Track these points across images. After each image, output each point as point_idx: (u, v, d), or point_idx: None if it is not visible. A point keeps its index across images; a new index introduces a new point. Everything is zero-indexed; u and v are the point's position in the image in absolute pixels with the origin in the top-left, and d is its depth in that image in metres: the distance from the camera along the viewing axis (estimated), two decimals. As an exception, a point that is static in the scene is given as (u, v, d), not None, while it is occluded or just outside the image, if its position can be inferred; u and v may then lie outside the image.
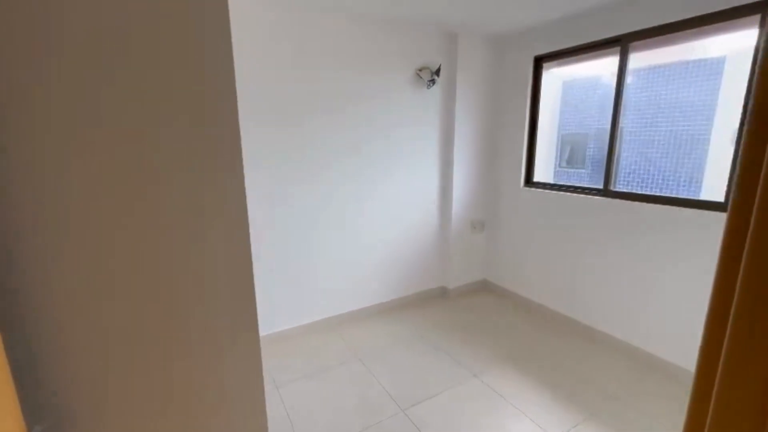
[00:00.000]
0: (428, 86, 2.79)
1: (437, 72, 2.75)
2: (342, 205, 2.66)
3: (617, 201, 2.39)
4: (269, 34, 2.20)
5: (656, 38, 2.19)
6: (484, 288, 3.48)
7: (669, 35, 2.13)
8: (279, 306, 2.56)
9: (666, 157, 2.79)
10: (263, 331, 2.53)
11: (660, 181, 2.74)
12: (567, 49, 2.60)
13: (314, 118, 2.44)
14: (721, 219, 1.91)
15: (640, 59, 2.37)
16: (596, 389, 2.07)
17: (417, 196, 3.00)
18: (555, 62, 2.80)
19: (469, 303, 3.18)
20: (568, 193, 2.68)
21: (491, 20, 2.58)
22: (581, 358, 2.36)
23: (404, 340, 2.59)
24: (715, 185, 2.52)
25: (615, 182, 2.49)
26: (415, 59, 2.74)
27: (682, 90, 2.66)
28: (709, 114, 2.90)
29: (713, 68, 2.68)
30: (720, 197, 2.00)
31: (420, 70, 2.74)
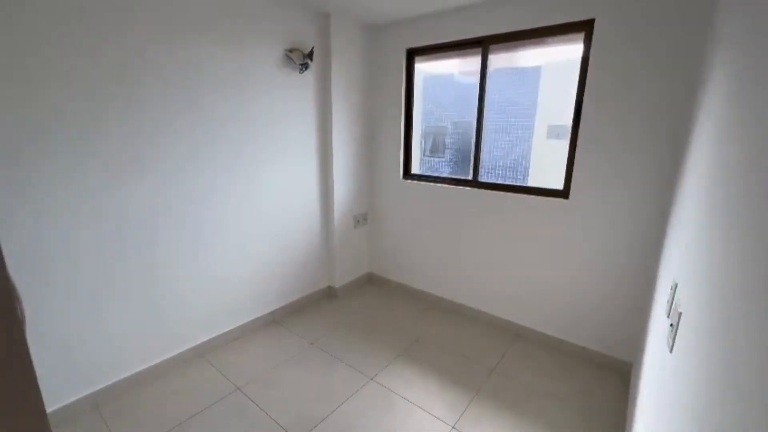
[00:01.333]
0: (300, 71, 2.51)
1: (310, 55, 2.49)
2: (201, 209, 2.19)
3: (483, 191, 2.62)
4: (72, -22, 1.57)
5: (510, 43, 2.42)
6: (369, 281, 3.46)
7: (519, 42, 2.38)
8: (124, 344, 1.97)
9: (509, 149, 3.25)
10: (107, 381, 1.92)
11: (505, 171, 3.18)
12: (437, 44, 2.67)
13: (156, 101, 1.89)
14: (560, 205, 2.27)
15: (498, 60, 2.60)
16: (478, 366, 2.25)
17: (294, 192, 2.72)
18: (425, 57, 2.87)
19: (356, 300, 3.11)
20: (444, 185, 2.83)
21: (363, 4, 2.45)
22: (462, 338, 2.55)
23: (293, 354, 2.34)
24: (538, 174, 3.09)
25: (480, 173, 2.73)
26: (284, 38, 2.41)
27: (517, 90, 3.17)
28: (531, 113, 3.53)
29: (533, 75, 3.25)
30: (542, 184, 2.39)
31: (290, 51, 2.43)
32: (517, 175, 3.21)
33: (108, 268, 1.85)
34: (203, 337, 2.32)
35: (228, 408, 1.89)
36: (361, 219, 3.23)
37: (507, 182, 2.62)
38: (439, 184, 2.86)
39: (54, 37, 1.55)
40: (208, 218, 2.21)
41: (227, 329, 2.45)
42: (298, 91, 2.57)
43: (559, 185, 2.33)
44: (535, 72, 3.45)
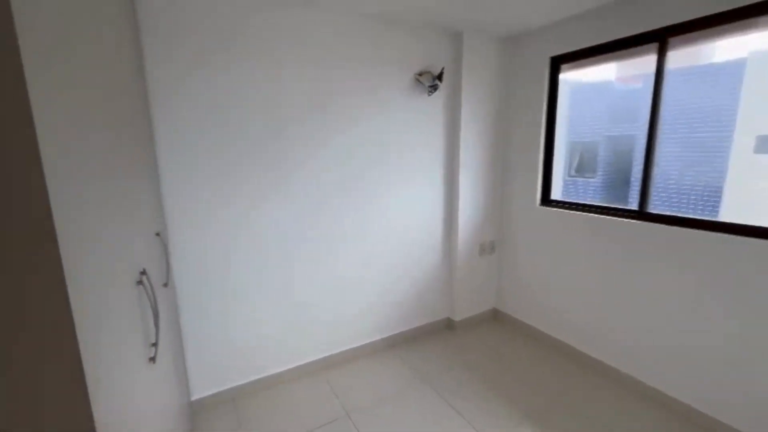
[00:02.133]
0: (429, 93, 2.44)
1: (439, 77, 2.40)
2: (327, 228, 2.30)
3: (654, 225, 2.01)
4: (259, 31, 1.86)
5: (698, 32, 1.83)
6: (494, 318, 3.08)
7: (713, 29, 1.77)
8: (259, 349, 2.18)
9: (691, 170, 2.44)
10: (240, 380, 2.16)
11: (685, 199, 2.38)
12: (591, 47, 2.24)
13: (290, 126, 2.08)
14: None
15: (678, 58, 2.00)
16: (640, 463, 1.67)
17: (418, 216, 2.63)
18: (574, 64, 2.44)
19: (478, 337, 2.78)
20: (594, 215, 2.30)
21: (500, 18, 2.24)
22: (613, 412, 1.96)
23: (403, 388, 2.20)
24: (740, 204, 2.17)
25: (650, 202, 2.11)
26: (414, 62, 2.39)
27: (707, 93, 2.34)
28: (728, 122, 2.57)
29: (732, 72, 2.35)
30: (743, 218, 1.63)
31: (420, 75, 2.39)
32: (703, 205, 2.38)
33: (251, 280, 2.09)
34: (323, 354, 2.41)
35: (335, 434, 1.87)
36: (487, 247, 2.92)
37: (689, 215, 1.95)
38: (587, 214, 2.34)
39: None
40: (335, 239, 2.31)
41: (344, 349, 2.48)
42: (425, 113, 2.50)
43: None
44: (736, 68, 2.56)
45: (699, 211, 2.09)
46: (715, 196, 2.51)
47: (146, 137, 1.49)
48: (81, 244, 0.53)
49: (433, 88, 2.42)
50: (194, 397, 2.04)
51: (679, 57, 2.01)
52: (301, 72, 2.04)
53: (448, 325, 2.93)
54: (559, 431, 1.85)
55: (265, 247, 2.11)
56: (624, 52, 2.16)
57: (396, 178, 2.47)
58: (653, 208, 2.09)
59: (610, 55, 2.24)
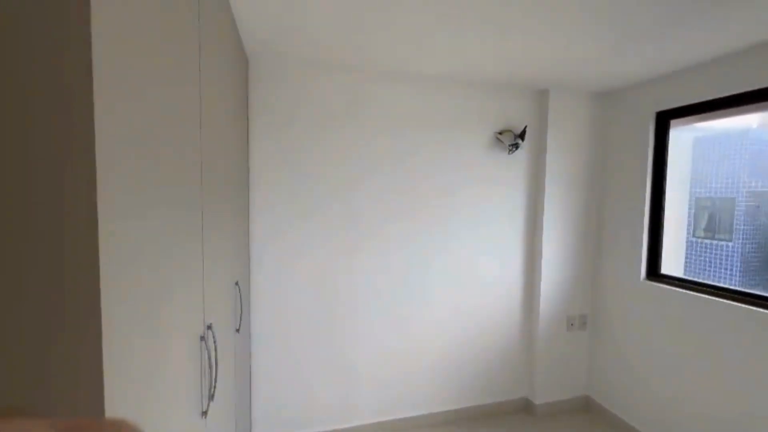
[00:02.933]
0: (510, 151, 2.35)
1: (522, 135, 2.31)
2: (400, 290, 2.26)
3: (817, 323, 1.52)
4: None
5: None
6: (586, 408, 2.59)
7: None
8: (321, 402, 2.17)
9: None
10: (301, 430, 2.15)
11: None
12: (710, 101, 1.94)
13: (373, 187, 2.17)
14: None
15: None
16: None
17: (492, 281, 2.44)
18: (686, 119, 2.13)
19: (563, 428, 2.35)
20: (722, 300, 1.85)
21: (592, 74, 2.10)
22: None
23: (466, 479, 1.93)
24: None
25: (806, 290, 1.62)
26: (495, 120, 2.36)
27: None
28: None
29: None
30: None
31: (500, 134, 2.33)
32: None
33: (321, 335, 2.14)
34: (385, 416, 2.28)
35: None
36: (577, 321, 2.54)
37: None
38: (712, 298, 1.89)
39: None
40: (407, 303, 2.27)
41: (404, 416, 2.32)
42: (505, 173, 2.40)
43: None
44: None
45: None
46: None
47: (244, 191, 1.70)
48: (152, 297, 0.60)
49: (514, 146, 2.33)
50: (255, 440, 2.08)
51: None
52: (386, 136, 2.16)
53: (526, 408, 2.55)
54: None
55: (339, 305, 2.16)
56: (754, 105, 1.82)
57: (469, 240, 2.36)
58: (812, 300, 1.60)
59: (736, 109, 1.90)
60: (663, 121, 2.21)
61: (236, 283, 1.51)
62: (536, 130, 2.43)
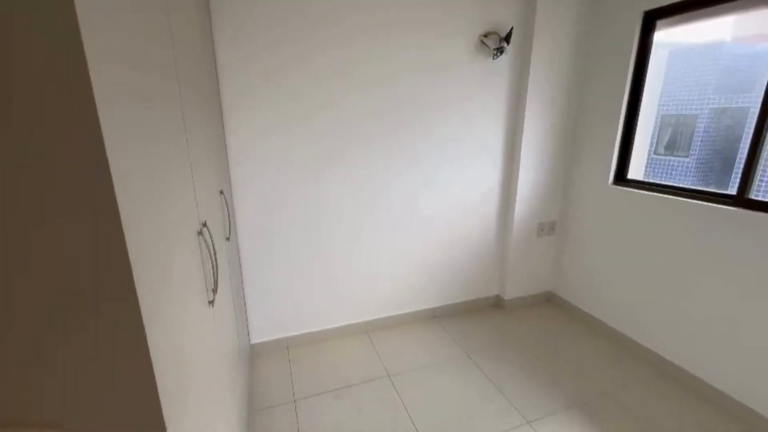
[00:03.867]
0: (494, 56, 2.26)
1: (507, 38, 2.21)
2: (379, 196, 2.31)
3: (757, 215, 1.71)
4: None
5: None
6: (548, 302, 2.93)
7: None
8: (312, 305, 2.34)
9: None
10: (293, 331, 2.34)
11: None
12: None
13: (347, 96, 2.08)
14: None
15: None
16: (700, 471, 1.53)
17: (472, 187, 2.53)
18: (674, 19, 2.07)
19: (528, 319, 2.68)
20: (679, 198, 2.02)
21: (586, -36, 1.95)
22: (672, 413, 1.79)
23: (446, 360, 2.23)
24: None
25: (753, 187, 1.79)
26: (480, 22, 2.22)
27: None
28: None
29: None
30: None
31: (485, 36, 2.21)
32: None
33: (308, 243, 2.21)
34: (369, 317, 2.51)
35: (377, 391, 1.97)
36: (547, 227, 2.74)
37: (811, 204, 1.62)
38: (669, 197, 2.06)
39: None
40: (384, 208, 2.33)
41: (389, 315, 2.56)
42: (488, 78, 2.34)
43: None
44: None
45: None
46: None
47: (214, 95, 1.59)
48: (151, 197, 0.60)
49: (499, 51, 2.23)
50: (254, 341, 2.27)
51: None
52: (367, 39, 2.00)
53: (498, 304, 2.86)
54: (608, 426, 1.75)
55: (325, 214, 2.20)
56: (743, 2, 1.78)
57: (452, 146, 2.38)
58: (758, 195, 1.77)
59: (728, 5, 1.85)
60: (649, 22, 2.14)
61: (221, 192, 1.50)
62: (522, 31, 2.32)
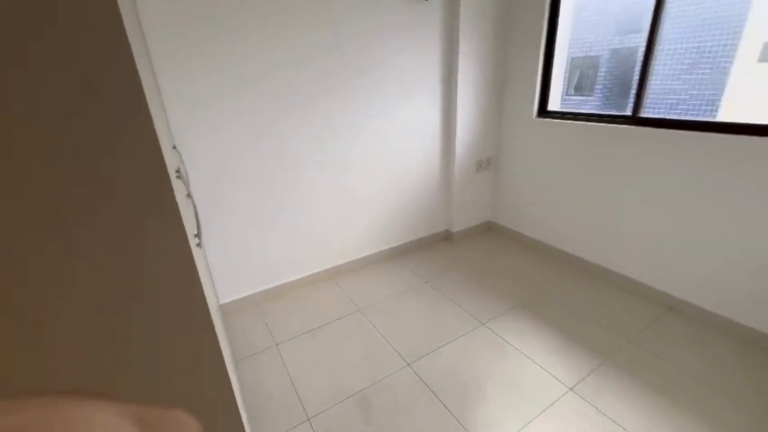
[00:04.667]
0: (427, -3, 2.32)
1: (438, -22, 2.26)
2: (330, 146, 2.36)
3: (647, 129, 2.09)
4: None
5: None
6: (489, 230, 3.30)
7: None
8: (276, 259, 2.39)
9: (692, 77, 2.44)
10: (261, 287, 2.40)
11: (684, 105, 2.43)
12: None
13: (274, 43, 2.03)
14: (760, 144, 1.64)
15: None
16: (614, 333, 1.98)
17: (415, 131, 2.67)
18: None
19: (474, 246, 3.03)
20: (590, 123, 2.36)
21: None
22: (597, 303, 2.25)
23: (407, 289, 2.47)
24: (738, 108, 2.22)
25: (643, 107, 2.16)
26: (411, -38, 2.23)
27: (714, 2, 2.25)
28: (734, 29, 2.51)
29: None
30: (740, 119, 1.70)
31: (417, -23, 2.25)
32: (701, 109, 2.44)
33: (262, 197, 2.21)
34: (334, 263, 2.64)
35: (350, 325, 2.15)
36: (484, 163, 3.02)
37: (688, 118, 2.01)
38: (582, 122, 2.40)
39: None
40: (337, 157, 2.39)
41: (352, 259, 2.71)
42: (422, 20, 2.41)
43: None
44: None
45: (696, 116, 2.15)
46: (712, 103, 2.56)
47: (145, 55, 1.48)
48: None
49: (432, -9, 2.29)
50: (222, 301, 2.30)
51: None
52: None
53: (447, 237, 3.16)
54: (546, 316, 2.14)
55: (274, 166, 2.19)
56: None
57: (391, 91, 2.46)
58: (647, 113, 2.15)
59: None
60: (561, -38, 2.34)
61: (174, 147, 1.45)
62: (450, -27, 2.39)
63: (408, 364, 1.84)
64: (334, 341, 2.03)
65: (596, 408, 1.56)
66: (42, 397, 0.14)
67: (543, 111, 2.69)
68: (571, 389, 1.66)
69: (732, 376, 1.67)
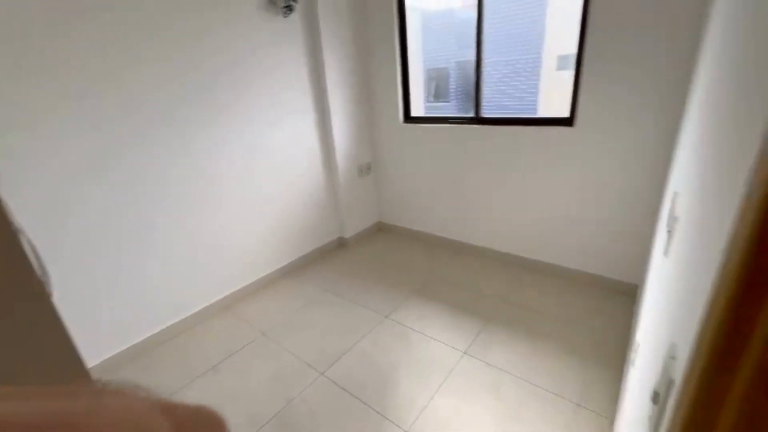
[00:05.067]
0: (284, 14, 2.37)
1: (292, -4, 2.34)
2: (204, 172, 2.21)
3: (487, 126, 2.54)
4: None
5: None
6: (379, 230, 3.52)
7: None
8: (162, 300, 2.11)
9: (514, 84, 3.11)
10: (149, 332, 2.08)
11: (512, 107, 3.06)
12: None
13: (142, 65, 1.84)
14: (567, 133, 2.20)
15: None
16: (489, 298, 2.34)
17: (296, 148, 2.69)
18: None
19: (367, 248, 3.19)
20: (445, 125, 2.75)
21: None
22: (472, 275, 2.62)
23: (309, 301, 2.47)
24: (549, 104, 2.97)
25: (482, 109, 2.62)
26: (263, -20, 2.26)
27: (521, 21, 2.94)
28: (538, 45, 3.33)
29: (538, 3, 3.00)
30: (557, 114, 2.28)
31: (271, -6, 2.28)
32: (525, 110, 3.09)
33: (132, 233, 1.93)
34: (225, 291, 2.46)
35: (254, 351, 2.05)
36: (365, 168, 3.22)
37: (512, 116, 2.52)
38: (440, 125, 2.78)
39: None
40: (214, 181, 2.24)
41: (246, 283, 2.57)
42: (285, 39, 2.45)
43: (566, 114, 2.23)
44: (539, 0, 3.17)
45: (521, 113, 2.70)
46: (533, 103, 3.24)
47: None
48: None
49: (288, 9, 2.36)
50: (92, 364, 1.92)
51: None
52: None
53: (341, 243, 3.25)
54: (436, 297, 2.40)
55: (136, 198, 1.94)
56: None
57: (264, 107, 2.44)
58: (486, 113, 2.62)
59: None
60: (401, -12, 2.67)
61: None
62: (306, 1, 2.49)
63: (321, 373, 1.85)
64: (240, 371, 1.91)
65: (486, 362, 1.84)
66: (90, 386, 0.15)
67: (408, 117, 3.01)
68: (465, 353, 1.91)
69: (578, 311, 2.17)
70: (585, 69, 2.02)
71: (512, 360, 1.84)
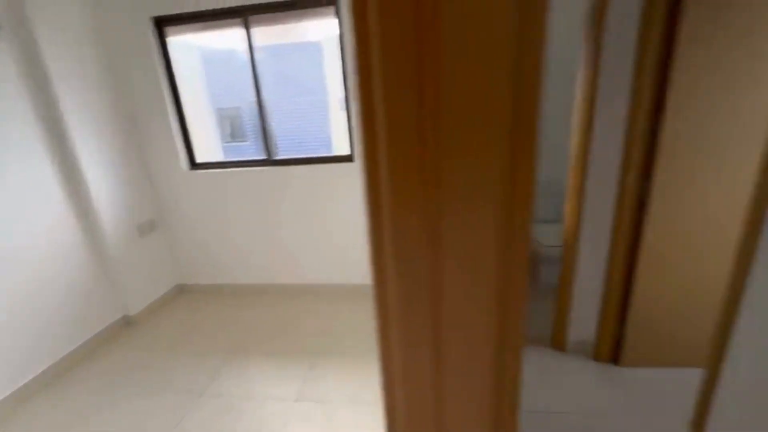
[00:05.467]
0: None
1: (-6, 22, 1.78)
2: None
3: (279, 168, 2.60)
4: None
5: (272, 14, 2.36)
6: (181, 293, 3.00)
7: (281, 13, 2.35)
8: None
9: (306, 124, 3.33)
10: None
11: (307, 145, 3.26)
12: (193, 13, 2.35)
13: None
14: (349, 168, 2.49)
15: (264, 35, 2.50)
16: (310, 332, 2.32)
17: (25, 224, 2.01)
18: (180, 27, 2.49)
19: (164, 319, 2.65)
20: (238, 169, 2.64)
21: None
22: (289, 314, 2.56)
23: (97, 406, 1.83)
24: (340, 142, 3.33)
25: (275, 151, 2.67)
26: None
27: (301, 67, 3.19)
28: (323, 87, 3.72)
29: (316, 50, 3.35)
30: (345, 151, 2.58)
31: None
32: (321, 148, 3.29)
33: None
34: None
35: None
36: (146, 227, 2.70)
37: (302, 156, 2.66)
38: (232, 169, 2.65)
39: None
40: None
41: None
42: (-12, 73, 1.82)
43: (346, 151, 2.53)
44: (316, 47, 3.51)
45: (319, 152, 2.83)
46: (328, 141, 3.49)
47: None
48: None
49: (-11, 37, 1.78)
50: None
51: (272, 33, 2.51)
52: None
53: (128, 322, 2.58)
54: (257, 351, 2.21)
55: None
56: (221, 22, 2.44)
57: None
58: (282, 153, 2.67)
59: (211, 23, 2.45)
60: (161, 29, 2.45)
61: None
62: (15, 23, 1.94)
63: None
64: None
65: (318, 401, 1.80)
66: None
67: (194, 164, 2.73)
68: (296, 401, 1.82)
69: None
70: (353, 109, 2.36)
71: (342, 386, 1.88)
